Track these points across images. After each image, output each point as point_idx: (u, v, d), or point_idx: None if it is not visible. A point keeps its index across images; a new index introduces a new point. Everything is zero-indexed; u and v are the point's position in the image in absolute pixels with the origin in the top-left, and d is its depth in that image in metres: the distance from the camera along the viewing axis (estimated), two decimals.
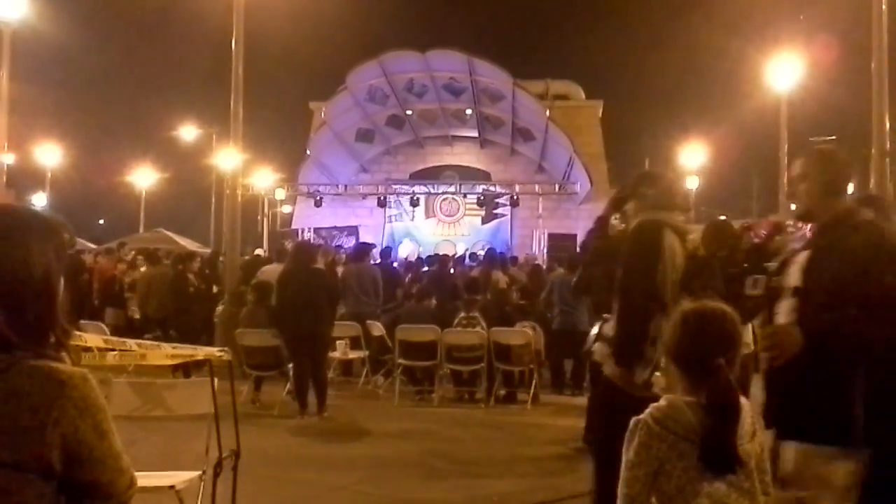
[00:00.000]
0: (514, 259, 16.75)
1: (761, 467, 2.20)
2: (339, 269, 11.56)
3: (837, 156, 3.13)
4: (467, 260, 17.84)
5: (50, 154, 31.50)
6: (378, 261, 13.15)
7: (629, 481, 2.13)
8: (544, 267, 14.67)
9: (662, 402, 2.18)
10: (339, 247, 20.80)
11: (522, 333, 8.96)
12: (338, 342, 9.27)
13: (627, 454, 2.15)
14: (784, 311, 2.96)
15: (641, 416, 2.16)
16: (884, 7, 11.07)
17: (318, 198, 26.42)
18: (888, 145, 11.23)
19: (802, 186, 3.05)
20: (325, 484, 5.76)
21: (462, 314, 9.24)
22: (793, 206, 3.37)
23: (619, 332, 3.58)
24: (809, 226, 3.24)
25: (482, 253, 16.58)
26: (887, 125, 11.21)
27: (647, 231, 3.58)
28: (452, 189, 28.22)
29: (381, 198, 26.11)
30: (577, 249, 21.88)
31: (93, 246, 21.46)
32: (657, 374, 3.24)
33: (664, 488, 2.10)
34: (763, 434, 2.24)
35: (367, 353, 9.91)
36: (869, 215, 3.02)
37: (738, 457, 2.10)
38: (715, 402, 2.10)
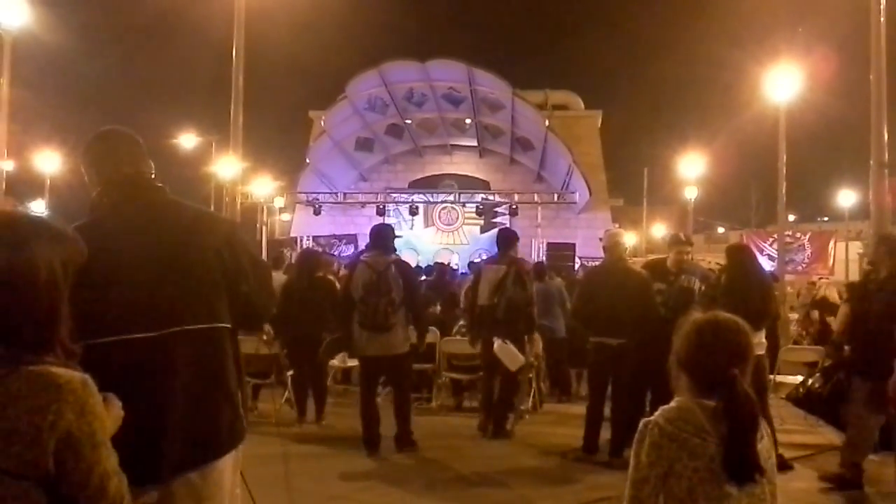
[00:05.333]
0: None
1: (768, 477, 2.18)
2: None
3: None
4: (466, 270, 17.76)
5: (49, 161, 31.45)
6: None
7: (638, 483, 2.11)
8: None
9: (672, 404, 2.17)
10: (336, 255, 20.81)
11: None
12: None
13: (637, 456, 2.13)
14: None
15: (651, 418, 2.15)
16: (882, 19, 11.11)
17: (317, 206, 26.44)
18: (886, 156, 11.26)
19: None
20: (324, 493, 5.73)
21: (461, 322, 9.20)
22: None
23: None
24: None
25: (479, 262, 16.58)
26: (885, 136, 11.23)
27: None
28: (451, 198, 28.27)
29: (380, 206, 26.14)
30: (576, 259, 22.08)
31: None
32: None
33: (674, 490, 2.09)
34: (770, 440, 2.24)
35: None
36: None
37: (760, 465, 2.10)
38: (734, 412, 2.09)
